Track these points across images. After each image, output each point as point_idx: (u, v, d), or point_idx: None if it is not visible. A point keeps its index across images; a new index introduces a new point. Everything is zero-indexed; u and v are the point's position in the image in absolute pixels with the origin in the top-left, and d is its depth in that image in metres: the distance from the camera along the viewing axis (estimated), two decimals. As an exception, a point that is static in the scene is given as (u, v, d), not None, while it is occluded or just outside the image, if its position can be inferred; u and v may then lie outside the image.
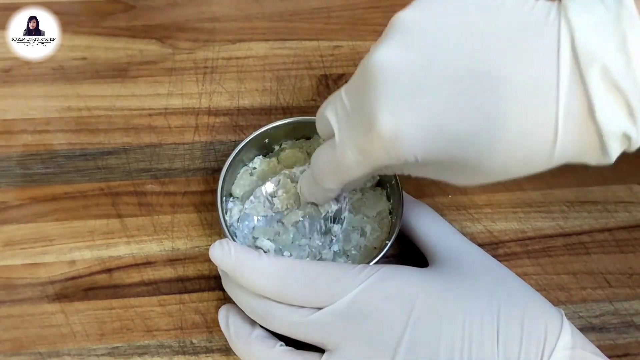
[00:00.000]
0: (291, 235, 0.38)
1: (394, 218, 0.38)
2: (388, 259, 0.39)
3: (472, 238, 0.40)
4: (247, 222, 0.38)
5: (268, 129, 0.39)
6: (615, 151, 0.26)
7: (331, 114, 0.31)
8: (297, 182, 0.38)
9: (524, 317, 0.31)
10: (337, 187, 0.33)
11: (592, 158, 0.27)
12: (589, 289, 0.40)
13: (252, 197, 0.38)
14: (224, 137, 0.44)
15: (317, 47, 0.48)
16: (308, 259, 0.37)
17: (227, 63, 0.47)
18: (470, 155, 0.27)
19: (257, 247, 0.37)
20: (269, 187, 0.39)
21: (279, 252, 0.37)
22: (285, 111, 0.45)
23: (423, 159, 0.28)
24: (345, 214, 0.37)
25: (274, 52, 0.47)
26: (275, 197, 0.38)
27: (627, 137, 0.26)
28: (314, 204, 0.38)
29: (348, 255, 0.38)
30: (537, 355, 0.30)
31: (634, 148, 0.26)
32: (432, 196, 0.42)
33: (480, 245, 0.38)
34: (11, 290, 0.38)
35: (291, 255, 0.37)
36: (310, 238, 0.38)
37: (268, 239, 0.37)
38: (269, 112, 0.45)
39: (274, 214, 0.38)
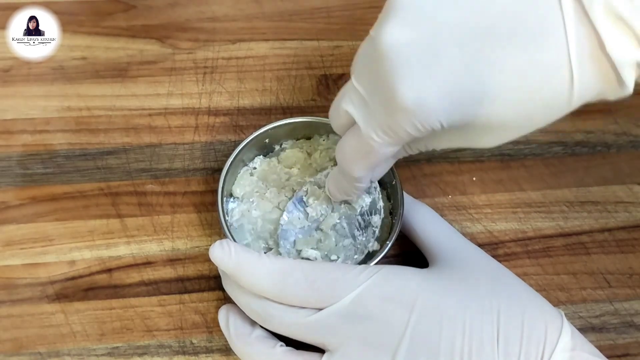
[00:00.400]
0: (333, 239, 0.38)
1: (394, 218, 0.38)
2: (388, 259, 0.39)
3: (472, 238, 0.40)
4: (287, 238, 0.38)
5: (268, 129, 0.39)
6: (631, 81, 0.27)
7: (347, 104, 0.31)
8: (324, 187, 0.38)
9: (524, 318, 0.31)
10: (366, 173, 0.34)
11: (611, 93, 0.28)
12: (589, 289, 0.40)
13: (285, 213, 0.38)
14: (224, 137, 0.44)
15: (317, 47, 0.48)
16: (356, 257, 0.37)
17: (227, 63, 0.47)
18: (493, 111, 0.28)
19: (304, 259, 0.37)
20: (298, 198, 0.39)
21: (326, 258, 0.38)
22: (285, 111, 0.45)
23: (448, 123, 0.28)
24: (381, 203, 0.38)
25: (274, 52, 0.47)
26: (307, 206, 0.39)
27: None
28: (347, 203, 0.38)
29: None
30: (537, 356, 0.30)
31: None
32: (432, 196, 0.42)
33: (480, 245, 0.38)
34: (11, 290, 0.38)
35: (339, 258, 0.37)
36: (352, 236, 0.38)
37: (312, 248, 0.38)
38: (269, 112, 0.45)
39: (310, 224, 0.39)
